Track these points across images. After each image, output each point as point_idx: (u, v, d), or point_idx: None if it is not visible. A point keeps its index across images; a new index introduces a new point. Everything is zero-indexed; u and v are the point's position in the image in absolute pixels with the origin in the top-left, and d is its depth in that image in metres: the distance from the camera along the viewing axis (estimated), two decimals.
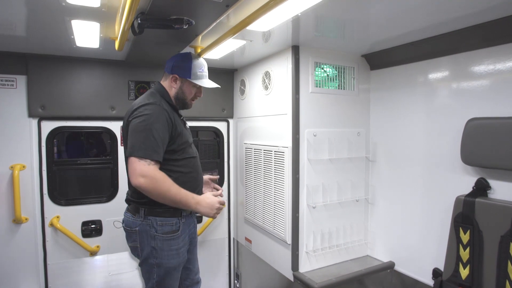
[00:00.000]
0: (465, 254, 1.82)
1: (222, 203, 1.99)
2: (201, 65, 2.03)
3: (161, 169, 1.81)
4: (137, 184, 1.72)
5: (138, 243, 1.93)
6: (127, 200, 2.05)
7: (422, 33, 1.98)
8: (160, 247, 1.90)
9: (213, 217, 1.96)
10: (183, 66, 1.98)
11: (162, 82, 2.06)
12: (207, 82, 2.07)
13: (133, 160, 1.72)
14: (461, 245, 1.84)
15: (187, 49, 2.27)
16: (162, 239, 1.90)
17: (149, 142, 1.75)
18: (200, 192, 2.06)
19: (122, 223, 2.05)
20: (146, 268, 1.96)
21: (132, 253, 2.06)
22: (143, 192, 1.76)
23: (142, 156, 1.72)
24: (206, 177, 2.25)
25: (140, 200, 1.91)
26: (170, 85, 2.02)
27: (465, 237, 1.82)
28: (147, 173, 1.71)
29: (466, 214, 1.82)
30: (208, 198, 1.93)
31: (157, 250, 1.90)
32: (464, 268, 1.82)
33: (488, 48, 1.82)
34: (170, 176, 1.83)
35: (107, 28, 1.91)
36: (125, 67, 2.78)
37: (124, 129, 1.92)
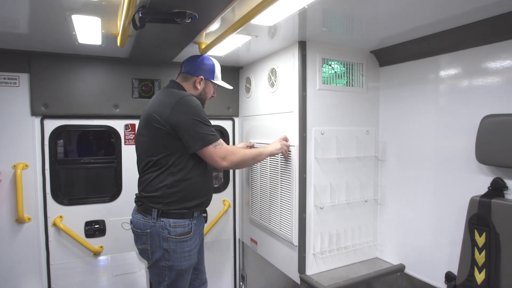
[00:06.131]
0: (480, 258, 1.74)
1: (283, 138, 2.29)
2: (219, 66, 2.19)
3: (169, 170, 1.89)
4: (224, 167, 1.92)
5: (149, 245, 1.91)
6: (137, 201, 2.01)
7: (434, 27, 1.90)
8: (173, 249, 1.88)
9: (284, 152, 2.24)
10: (207, 68, 2.10)
11: (181, 83, 2.08)
12: (224, 83, 2.23)
13: (209, 149, 1.86)
14: (477, 248, 1.75)
15: (191, 46, 2.22)
16: (175, 241, 1.88)
17: (208, 127, 1.88)
18: (209, 200, 2.12)
19: (130, 224, 2.01)
20: (156, 271, 1.93)
21: (141, 255, 2.04)
22: (233, 168, 2.00)
23: (212, 142, 1.86)
24: (244, 144, 2.57)
25: (152, 200, 1.89)
26: (193, 86, 2.09)
27: (480, 240, 1.74)
28: (224, 153, 1.89)
29: (482, 215, 1.73)
30: (272, 143, 2.24)
31: (169, 252, 1.88)
32: (480, 272, 1.73)
33: (504, 41, 1.73)
34: (183, 180, 1.90)
35: (109, 23, 1.86)
36: (128, 65, 2.74)
37: (147, 122, 1.92)
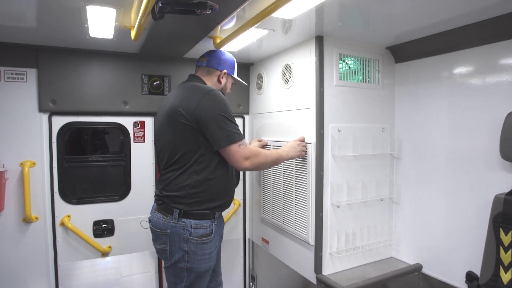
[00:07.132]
0: (506, 257, 1.69)
1: (301, 140, 2.21)
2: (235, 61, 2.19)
3: (193, 169, 1.83)
4: (245, 167, 1.85)
5: (168, 246, 1.83)
6: (157, 199, 1.94)
7: (451, 22, 1.85)
8: (193, 251, 1.81)
9: (303, 155, 2.19)
10: (228, 63, 2.07)
11: (202, 77, 2.03)
12: (241, 79, 2.24)
13: (233, 148, 1.80)
14: (502, 247, 1.71)
15: (205, 40, 2.16)
16: (196, 242, 1.82)
17: (234, 125, 1.84)
18: (230, 201, 2.05)
19: (149, 223, 1.95)
20: (174, 272, 1.86)
21: (159, 255, 1.98)
22: (252, 170, 1.96)
23: (237, 141, 1.81)
24: (259, 143, 2.53)
25: (174, 200, 1.82)
26: (216, 80, 2.05)
27: (506, 239, 1.70)
28: (248, 154, 1.83)
29: (508, 213, 1.69)
30: (287, 144, 2.17)
31: (189, 254, 1.81)
32: (506, 272, 1.69)
33: None
34: (207, 180, 1.84)
35: (124, 15, 1.80)
36: (138, 61, 2.67)
37: (171, 118, 1.85)
